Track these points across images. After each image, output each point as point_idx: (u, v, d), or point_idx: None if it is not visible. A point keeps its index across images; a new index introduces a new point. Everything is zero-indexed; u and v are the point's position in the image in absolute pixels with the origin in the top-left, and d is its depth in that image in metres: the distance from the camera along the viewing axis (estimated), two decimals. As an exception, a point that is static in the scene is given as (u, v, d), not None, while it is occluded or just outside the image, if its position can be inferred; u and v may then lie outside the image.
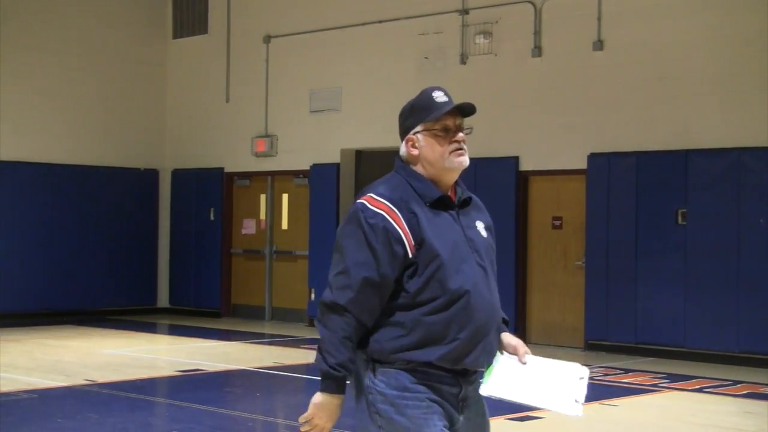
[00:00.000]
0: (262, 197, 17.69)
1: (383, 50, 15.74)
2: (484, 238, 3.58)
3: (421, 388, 3.41)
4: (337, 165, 16.21)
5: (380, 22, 15.76)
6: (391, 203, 3.40)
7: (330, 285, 3.42)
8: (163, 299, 18.47)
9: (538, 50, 14.17)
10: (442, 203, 3.50)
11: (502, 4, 14.51)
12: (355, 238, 3.38)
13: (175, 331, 16.33)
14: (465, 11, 14.85)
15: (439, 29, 15.12)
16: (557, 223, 14.23)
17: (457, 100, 3.55)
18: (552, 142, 14.06)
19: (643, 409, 9.66)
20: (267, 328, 16.44)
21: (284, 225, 17.44)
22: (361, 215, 3.39)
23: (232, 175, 17.90)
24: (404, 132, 3.56)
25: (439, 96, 3.51)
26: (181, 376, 11.28)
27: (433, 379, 3.42)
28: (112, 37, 17.95)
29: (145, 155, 18.34)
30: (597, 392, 10.56)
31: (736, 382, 11.08)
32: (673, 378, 11.33)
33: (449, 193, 3.58)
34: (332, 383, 3.37)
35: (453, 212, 3.53)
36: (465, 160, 3.55)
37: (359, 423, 3.50)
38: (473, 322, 3.42)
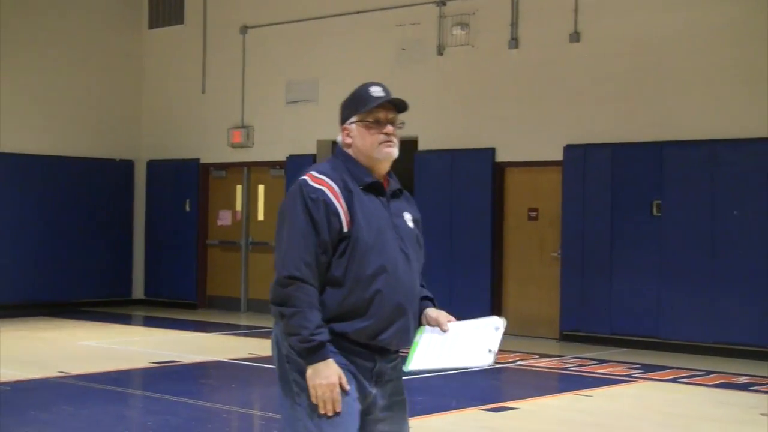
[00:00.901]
0: (238, 188, 17.65)
1: (360, 41, 15.72)
2: (410, 228, 3.78)
3: (336, 357, 3.58)
4: (314, 156, 16.18)
5: (357, 12, 15.74)
6: (330, 180, 3.64)
7: (280, 261, 3.58)
8: (138, 291, 18.40)
9: (515, 42, 14.19)
10: (373, 188, 3.71)
11: (478, -4, 14.53)
12: (299, 212, 3.59)
13: (151, 322, 16.26)
14: (442, 2, 14.84)
15: (417, 20, 15.11)
16: (533, 214, 14.27)
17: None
18: (528, 133, 14.08)
19: (617, 399, 9.71)
20: (243, 320, 16.41)
21: (260, 216, 17.40)
22: (303, 190, 3.62)
23: (208, 166, 17.84)
24: (342, 122, 3.81)
25: (376, 91, 3.74)
26: (156, 367, 11.24)
27: (348, 352, 3.61)
28: (88, 28, 17.84)
29: (121, 146, 18.25)
30: (571, 383, 10.62)
31: (709, 372, 11.15)
32: (647, 368, 11.39)
33: (381, 182, 3.78)
34: (316, 353, 3.51)
35: (383, 199, 3.74)
36: (393, 152, 3.75)
37: (280, 391, 3.68)
38: (391, 301, 3.62)
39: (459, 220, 14.51)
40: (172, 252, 17.94)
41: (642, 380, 10.69)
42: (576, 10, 13.67)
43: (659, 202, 12.91)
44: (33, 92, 17.11)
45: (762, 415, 8.86)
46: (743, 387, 10.32)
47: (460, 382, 10.44)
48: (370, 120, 3.72)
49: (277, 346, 3.68)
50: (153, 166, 18.38)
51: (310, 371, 3.51)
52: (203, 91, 17.80)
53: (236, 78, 17.27)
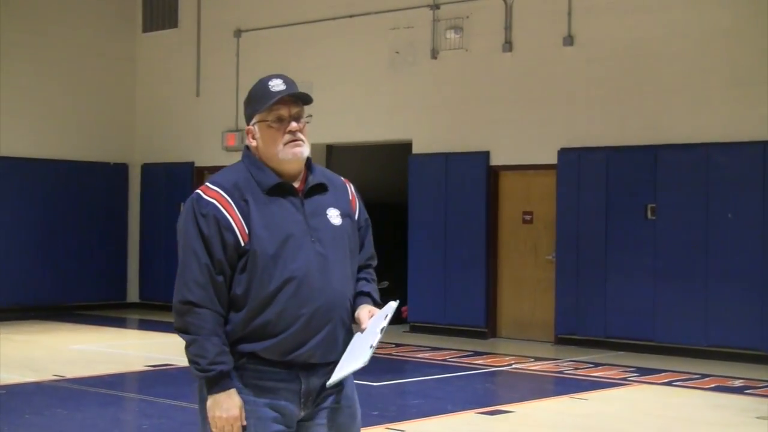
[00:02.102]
0: (233, 192, 17.60)
1: (354, 45, 15.72)
2: (334, 226, 3.43)
3: (248, 391, 3.29)
4: (308, 160, 16.14)
5: (351, 16, 15.74)
6: (224, 191, 3.32)
7: (175, 285, 3.31)
8: (133, 294, 18.38)
9: (508, 45, 14.20)
10: (281, 190, 3.39)
11: (473, -1, 14.54)
12: (190, 230, 3.29)
13: (146, 325, 16.25)
14: (436, 6, 14.86)
15: (410, 24, 15.11)
16: (528, 217, 14.28)
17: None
18: (522, 137, 14.09)
19: (612, 403, 9.71)
20: (238, 323, 16.36)
21: (255, 219, 17.36)
22: (195, 206, 3.32)
23: (202, 170, 17.83)
24: (246, 122, 3.50)
25: (275, 84, 3.41)
26: (151, 371, 11.24)
27: (265, 378, 3.31)
28: (82, 31, 17.83)
29: (115, 149, 18.24)
30: (567, 386, 10.63)
31: (704, 376, 11.16)
32: (643, 371, 11.40)
33: (297, 181, 3.47)
34: (216, 384, 3.25)
35: (295, 200, 3.41)
36: (300, 151, 3.45)
37: (199, 422, 3.40)
38: (305, 312, 3.29)
39: (453, 223, 14.52)
40: (167, 255, 17.87)
41: (637, 383, 10.70)
42: (569, 14, 13.69)
43: (653, 205, 12.93)
44: (27, 96, 17.08)
45: (758, 418, 8.88)
46: (739, 390, 10.33)
47: (455, 386, 10.45)
48: (272, 119, 3.40)
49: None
50: (147, 169, 18.37)
51: (210, 402, 3.25)
52: (197, 95, 17.79)
53: (230, 81, 17.27)
